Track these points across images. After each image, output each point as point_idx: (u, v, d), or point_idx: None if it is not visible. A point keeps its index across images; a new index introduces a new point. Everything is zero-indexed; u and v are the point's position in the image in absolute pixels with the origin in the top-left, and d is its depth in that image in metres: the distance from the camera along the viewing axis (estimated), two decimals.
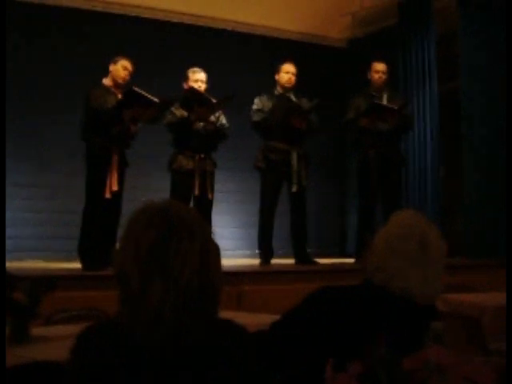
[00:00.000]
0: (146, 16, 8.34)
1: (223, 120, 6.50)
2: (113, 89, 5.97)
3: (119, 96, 5.92)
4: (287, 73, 6.77)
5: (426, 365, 1.22)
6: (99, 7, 8.09)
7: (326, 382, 1.25)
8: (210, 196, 6.31)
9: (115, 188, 5.76)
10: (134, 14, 8.26)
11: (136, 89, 5.70)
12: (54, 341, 2.56)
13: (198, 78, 6.33)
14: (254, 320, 2.79)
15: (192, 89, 6.20)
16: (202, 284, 1.54)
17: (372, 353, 1.29)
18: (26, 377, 1.92)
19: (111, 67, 5.98)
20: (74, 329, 1.60)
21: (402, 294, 2.03)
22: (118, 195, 5.82)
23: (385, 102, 6.84)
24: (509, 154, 6.71)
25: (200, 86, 6.29)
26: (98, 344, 1.54)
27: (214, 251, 1.62)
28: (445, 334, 1.59)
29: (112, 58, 6.00)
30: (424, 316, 1.98)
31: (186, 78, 6.37)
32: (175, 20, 8.48)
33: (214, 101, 6.14)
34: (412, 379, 1.21)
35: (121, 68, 5.96)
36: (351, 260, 7.30)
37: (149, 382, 1.49)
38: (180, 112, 6.27)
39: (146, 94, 5.74)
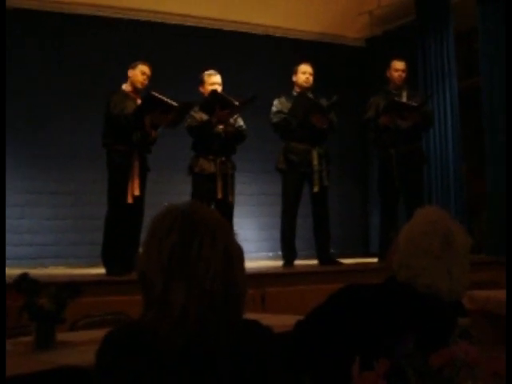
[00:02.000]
0: (163, 21, 8.36)
1: (240, 122, 6.49)
2: (132, 94, 6.00)
3: (138, 101, 5.95)
4: (304, 73, 6.76)
5: (453, 361, 1.21)
6: (114, 13, 8.12)
7: (353, 380, 1.24)
8: (231, 199, 6.31)
9: (137, 193, 5.78)
10: (150, 19, 8.28)
11: (155, 93, 5.72)
12: (79, 346, 2.57)
13: (214, 81, 6.33)
14: (278, 321, 2.78)
15: (214, 92, 6.19)
16: (226, 286, 1.54)
17: (399, 350, 1.27)
18: (52, 382, 1.92)
19: (130, 72, 6.01)
20: (98, 334, 1.60)
21: (427, 290, 2.01)
22: (140, 200, 5.84)
23: (404, 99, 6.80)
24: (509, 154, 6.65)
25: (217, 89, 6.29)
26: (123, 346, 1.54)
27: (238, 253, 1.62)
28: (472, 330, 1.57)
29: (131, 63, 6.03)
30: (450, 312, 1.96)
31: (202, 82, 6.37)
32: (192, 24, 8.50)
33: (237, 103, 6.14)
34: (440, 376, 1.20)
35: (139, 73, 5.98)
36: (375, 260, 7.26)
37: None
38: (200, 115, 6.28)
39: (165, 99, 5.75)
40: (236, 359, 1.54)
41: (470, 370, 1.20)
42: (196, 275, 1.51)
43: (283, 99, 6.76)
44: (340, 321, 2.02)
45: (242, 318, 1.62)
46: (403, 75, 6.92)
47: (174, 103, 5.81)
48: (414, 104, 6.61)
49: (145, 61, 6.05)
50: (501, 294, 4.28)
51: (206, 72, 6.39)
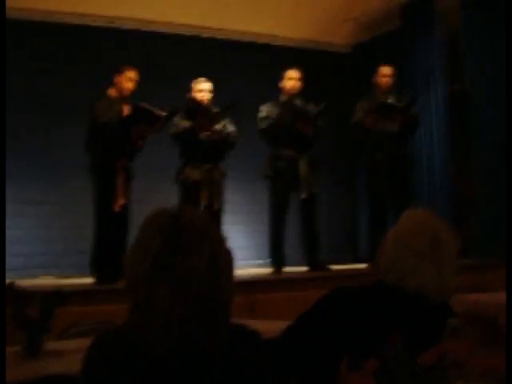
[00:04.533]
0: (149, 29, 8.36)
1: (230, 128, 6.47)
2: (118, 99, 5.96)
3: (124, 107, 5.92)
4: (291, 79, 6.76)
5: (443, 359, 1.20)
6: (102, 22, 8.11)
7: (341, 379, 1.23)
8: (216, 205, 6.28)
9: (122, 201, 5.76)
10: (137, 28, 8.28)
11: (143, 104, 5.70)
12: (66, 354, 2.55)
13: (201, 88, 6.33)
14: (267, 327, 2.77)
15: (192, 99, 6.20)
16: (212, 291, 1.52)
17: (387, 350, 1.26)
18: None
19: (116, 78, 5.97)
20: (86, 342, 1.59)
21: (415, 291, 2.01)
22: (125, 208, 5.82)
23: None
24: (509, 154, 6.68)
25: (203, 96, 6.28)
26: (108, 352, 1.53)
27: (225, 257, 1.60)
28: (461, 330, 1.56)
29: (117, 68, 6.01)
30: (440, 313, 1.96)
31: (190, 89, 6.37)
32: (178, 32, 8.49)
33: (215, 110, 6.13)
34: (429, 374, 1.19)
35: (126, 79, 5.95)
36: (364, 265, 7.26)
37: None
38: (183, 123, 6.27)
39: (153, 109, 5.74)
40: (222, 364, 1.53)
41: (459, 368, 1.20)
42: (180, 281, 1.50)
43: (270, 105, 6.76)
44: (329, 323, 2.01)
45: (228, 323, 1.60)
46: (390, 81, 6.95)
47: (162, 113, 5.81)
48: (399, 104, 6.64)
49: (131, 66, 6.02)
50: (489, 297, 4.29)
51: (195, 79, 6.39)
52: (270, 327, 2.49)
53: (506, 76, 6.80)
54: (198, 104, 6.17)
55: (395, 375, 1.21)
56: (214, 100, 6.39)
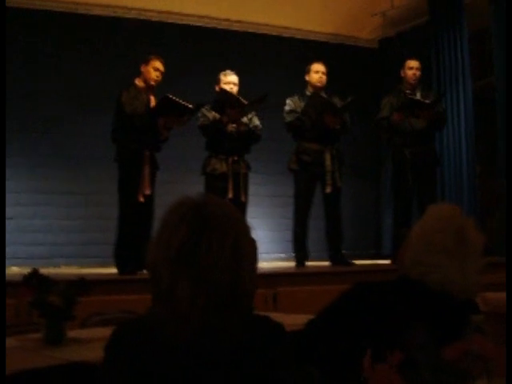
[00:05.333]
0: (179, 22, 8.37)
1: (256, 121, 6.47)
2: (144, 89, 5.96)
3: (151, 97, 5.93)
4: (317, 72, 6.74)
5: (467, 354, 1.18)
6: (131, 14, 8.13)
7: (365, 372, 1.22)
8: (243, 198, 6.29)
9: (148, 192, 5.78)
10: (167, 20, 8.29)
11: (171, 96, 5.70)
12: (88, 342, 2.56)
13: (229, 81, 6.33)
14: (289, 320, 2.76)
15: (223, 90, 6.20)
16: (234, 281, 1.51)
17: (411, 342, 1.25)
18: (61, 377, 1.91)
19: (142, 68, 5.96)
20: (108, 331, 1.59)
21: (439, 288, 1.99)
22: (150, 199, 5.83)
23: (418, 98, 6.78)
24: (508, 153, 6.60)
25: (232, 88, 6.28)
26: (130, 340, 1.53)
27: (249, 249, 1.58)
28: (485, 327, 1.54)
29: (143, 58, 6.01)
30: (463, 309, 1.93)
31: (218, 81, 6.38)
32: (208, 25, 8.50)
33: (245, 102, 6.13)
34: (453, 369, 1.18)
35: (152, 69, 5.93)
36: (387, 261, 7.22)
37: (180, 379, 1.47)
38: (212, 114, 6.28)
39: (181, 102, 5.74)
40: (244, 354, 1.52)
41: (484, 363, 1.18)
42: (203, 271, 1.49)
43: (296, 98, 6.74)
44: (352, 315, 2.00)
45: (251, 314, 1.60)
46: (417, 73, 6.91)
47: (190, 105, 5.81)
48: (428, 101, 6.59)
49: (158, 56, 6.02)
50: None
51: (223, 71, 6.40)
52: (292, 320, 2.47)
53: (507, 76, 6.73)
54: (229, 96, 6.16)
55: (420, 368, 1.20)
56: (238, 93, 6.38)
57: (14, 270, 6.47)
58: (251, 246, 1.60)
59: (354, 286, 2.11)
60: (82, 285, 2.73)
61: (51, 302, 2.60)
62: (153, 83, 5.97)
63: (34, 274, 2.69)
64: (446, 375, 1.18)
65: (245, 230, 1.60)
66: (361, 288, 2.09)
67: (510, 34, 6.60)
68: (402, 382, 1.16)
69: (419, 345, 1.23)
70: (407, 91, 6.87)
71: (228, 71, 6.40)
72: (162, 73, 5.98)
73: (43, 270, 2.79)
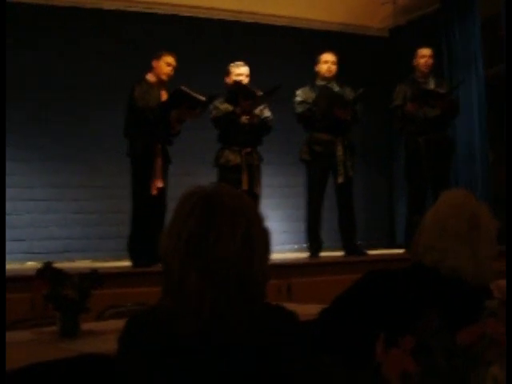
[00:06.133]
0: (185, 14, 8.35)
1: (267, 113, 6.47)
2: (156, 84, 5.97)
3: (163, 92, 5.94)
4: (326, 62, 6.71)
5: (481, 338, 1.18)
6: (138, 8, 8.12)
7: (378, 357, 1.21)
8: (257, 190, 6.29)
9: (160, 185, 5.79)
10: (173, 13, 8.27)
11: (184, 88, 5.70)
12: (103, 334, 2.57)
13: (241, 72, 6.32)
14: (304, 310, 2.75)
15: (237, 82, 6.20)
16: (245, 272, 1.51)
17: (424, 327, 1.24)
18: (75, 369, 1.92)
19: (154, 63, 5.98)
20: (122, 323, 1.60)
21: (452, 273, 1.98)
22: (163, 192, 5.84)
23: (432, 87, 6.75)
24: (509, 153, 6.55)
25: (242, 80, 6.27)
26: (143, 332, 1.54)
27: (261, 238, 1.57)
28: (500, 314, 1.53)
29: (153, 55, 6.02)
30: (477, 295, 1.92)
31: (229, 73, 6.37)
32: (215, 17, 8.48)
33: (259, 93, 6.12)
34: (468, 353, 1.17)
35: (164, 64, 5.95)
36: (401, 251, 7.20)
37: (192, 370, 1.47)
38: (224, 106, 6.27)
39: (194, 94, 5.74)
40: (257, 343, 1.52)
41: (498, 348, 1.17)
42: (213, 263, 1.48)
43: (306, 89, 6.72)
44: (365, 302, 2.00)
45: (263, 304, 1.59)
46: (430, 61, 6.88)
47: (202, 98, 5.81)
48: (442, 91, 6.57)
49: (170, 51, 6.02)
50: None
51: (233, 63, 6.39)
52: (306, 310, 2.47)
53: (507, 75, 6.69)
54: (242, 87, 6.16)
55: (433, 352, 1.19)
56: (249, 84, 6.37)
57: (29, 265, 6.50)
58: (263, 236, 1.59)
59: (367, 274, 2.10)
60: (96, 278, 2.74)
61: (65, 295, 2.61)
62: (165, 78, 5.98)
63: (48, 267, 2.70)
64: (460, 360, 1.18)
65: (257, 220, 1.59)
66: (373, 276, 2.09)
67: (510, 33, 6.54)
68: (415, 366, 1.15)
69: (432, 330, 1.22)
70: (420, 80, 6.84)
71: (238, 62, 6.39)
72: (174, 67, 5.99)
73: (58, 265, 2.80)
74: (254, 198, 6.19)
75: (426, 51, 6.90)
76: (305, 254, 6.85)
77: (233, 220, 1.52)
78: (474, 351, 1.17)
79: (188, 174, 7.39)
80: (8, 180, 6.44)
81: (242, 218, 1.54)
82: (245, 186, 6.14)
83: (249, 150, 6.33)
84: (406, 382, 1.13)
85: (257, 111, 6.36)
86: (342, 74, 6.86)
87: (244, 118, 6.28)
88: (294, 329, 1.61)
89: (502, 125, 7.72)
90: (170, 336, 1.50)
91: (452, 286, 1.97)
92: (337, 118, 6.50)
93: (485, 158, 7.83)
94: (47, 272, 2.67)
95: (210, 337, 1.49)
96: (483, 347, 1.17)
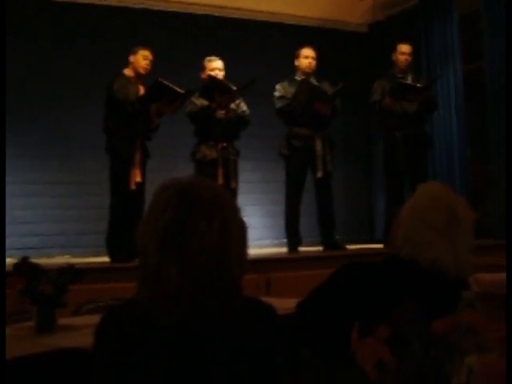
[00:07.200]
0: (164, 8, 8.32)
1: (244, 107, 6.46)
2: (134, 79, 5.96)
3: (141, 87, 5.92)
4: (306, 57, 6.70)
5: (457, 327, 1.18)
6: (113, 2, 8.08)
7: (352, 345, 1.21)
8: (233, 185, 6.28)
9: (139, 179, 5.77)
10: (151, 7, 8.24)
11: (163, 80, 5.70)
12: (80, 329, 2.56)
13: (215, 67, 6.31)
14: (282, 304, 2.75)
15: (211, 77, 6.18)
16: (222, 263, 1.51)
17: (400, 315, 1.24)
18: (51, 364, 1.91)
19: (131, 58, 5.97)
20: (99, 318, 1.59)
21: (431, 266, 1.99)
22: (141, 186, 5.82)
23: (409, 82, 6.77)
24: (508, 152, 6.60)
25: (217, 74, 6.26)
26: (119, 324, 1.53)
27: (237, 230, 1.58)
28: (477, 304, 1.54)
29: (131, 49, 6.00)
30: (455, 287, 1.93)
31: (203, 68, 6.36)
32: (192, 11, 8.45)
33: (234, 88, 6.11)
34: (444, 342, 1.17)
35: (141, 58, 5.94)
36: (380, 245, 7.23)
37: (168, 361, 1.47)
38: (200, 101, 6.26)
39: (173, 86, 5.73)
40: (233, 335, 1.52)
41: (474, 337, 1.18)
42: (190, 253, 1.48)
43: (286, 84, 6.71)
44: (341, 293, 2.00)
45: (240, 296, 1.59)
46: (409, 58, 6.91)
47: (181, 90, 5.80)
48: (419, 85, 6.59)
49: (145, 46, 6.01)
50: (505, 277, 4.24)
51: (207, 58, 6.38)
52: (284, 305, 2.47)
53: (507, 75, 6.73)
54: (217, 82, 6.15)
55: (408, 341, 1.19)
56: (227, 79, 6.36)
57: (7, 261, 6.45)
58: (240, 228, 1.59)
59: (343, 266, 2.11)
60: (74, 272, 2.72)
61: (41, 290, 2.60)
62: (142, 72, 5.96)
63: (24, 262, 2.69)
64: (436, 349, 1.18)
65: (233, 212, 1.59)
66: (350, 267, 2.09)
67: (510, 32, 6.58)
68: (390, 355, 1.15)
69: (408, 319, 1.22)
70: (398, 75, 6.86)
71: (212, 57, 6.38)
72: (151, 61, 5.98)
73: (36, 261, 2.78)
74: (231, 192, 6.16)
75: (405, 48, 6.91)
76: (284, 249, 6.85)
77: (209, 212, 1.52)
78: (450, 341, 1.18)
79: (166, 169, 7.35)
80: None
81: (218, 210, 1.54)
82: (220, 181, 6.12)
83: (225, 144, 6.32)
84: (382, 370, 1.13)
85: (233, 106, 6.35)
86: (321, 70, 6.86)
87: (220, 113, 6.27)
88: (271, 320, 1.61)
89: (479, 120, 7.78)
90: (147, 327, 1.49)
91: (431, 277, 1.98)
92: (317, 112, 6.50)
93: (463, 153, 7.88)
94: (23, 267, 2.65)
95: (188, 327, 1.49)
96: (459, 337, 1.18)
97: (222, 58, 6.40)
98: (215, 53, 6.48)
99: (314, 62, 6.71)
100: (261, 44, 8.64)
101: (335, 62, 8.47)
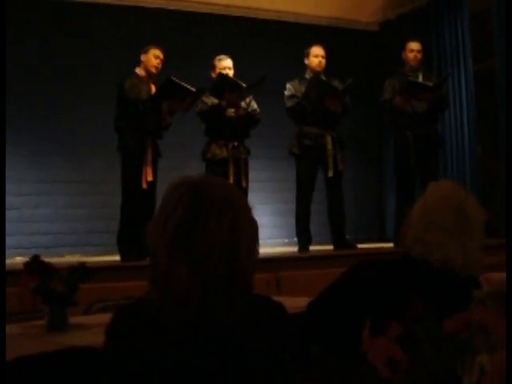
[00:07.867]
0: (173, 8, 8.32)
1: (254, 105, 6.46)
2: (146, 78, 5.97)
3: (152, 86, 5.94)
4: (316, 56, 6.69)
5: (468, 325, 1.18)
6: (127, 2, 8.09)
7: (364, 343, 1.21)
8: (244, 184, 6.28)
9: (150, 178, 5.78)
10: (160, 6, 8.24)
11: (175, 79, 5.71)
12: (90, 328, 2.56)
13: (225, 66, 6.31)
14: (292, 303, 2.75)
15: (222, 75, 6.18)
16: (232, 262, 1.50)
17: (411, 314, 1.24)
18: (63, 362, 1.91)
19: (142, 57, 5.98)
20: (110, 317, 1.59)
21: (442, 265, 1.98)
22: (152, 185, 5.83)
23: (420, 80, 6.75)
24: (508, 151, 6.57)
25: (227, 73, 6.26)
26: (129, 323, 1.53)
27: (248, 228, 1.57)
28: (488, 304, 1.53)
29: (143, 48, 6.01)
30: (466, 286, 1.93)
31: (213, 67, 6.36)
32: (203, 10, 8.46)
33: (244, 85, 6.11)
34: (454, 340, 1.17)
35: (152, 57, 5.96)
36: (390, 244, 7.21)
37: (177, 361, 1.47)
38: (211, 100, 6.26)
39: (185, 84, 5.74)
40: (243, 336, 1.52)
41: (485, 336, 1.17)
42: (200, 252, 1.48)
43: (296, 83, 6.70)
44: (352, 293, 2.00)
45: (250, 294, 1.58)
46: (419, 56, 6.88)
47: (192, 89, 5.81)
48: (430, 84, 6.57)
49: (157, 45, 6.01)
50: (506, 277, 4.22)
51: (217, 57, 6.38)
52: (295, 303, 2.47)
53: (506, 75, 6.70)
54: (227, 79, 6.15)
55: (419, 339, 1.19)
56: (237, 78, 6.35)
57: (17, 260, 6.47)
58: (250, 226, 1.59)
59: (354, 264, 2.10)
60: (84, 271, 2.73)
61: (53, 288, 2.60)
62: (154, 71, 5.98)
63: (36, 260, 2.69)
64: (447, 347, 1.17)
65: (244, 210, 1.59)
66: (361, 266, 2.09)
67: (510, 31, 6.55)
68: (401, 354, 1.15)
69: (419, 318, 1.22)
70: (409, 73, 6.84)
71: (222, 56, 6.38)
72: (162, 60, 6.00)
73: (47, 259, 2.79)
74: (242, 191, 6.17)
75: (414, 45, 6.89)
76: (294, 248, 6.84)
77: (220, 210, 1.52)
78: (461, 339, 1.17)
79: (177, 168, 7.37)
80: None
81: (229, 209, 1.54)
82: (231, 180, 6.13)
83: (236, 143, 6.32)
84: (393, 368, 1.13)
85: (244, 104, 6.35)
86: (331, 68, 6.85)
87: (230, 111, 6.27)
88: (281, 319, 1.61)
89: (489, 119, 7.75)
90: (157, 327, 1.49)
91: (441, 276, 1.97)
92: (328, 110, 6.49)
93: (473, 152, 7.86)
94: (35, 266, 2.66)
95: (197, 328, 1.49)
96: (470, 335, 1.17)
97: (231, 57, 6.40)
98: (224, 52, 6.48)
99: (323, 61, 6.70)
100: (271, 43, 8.63)
101: (345, 60, 8.46)
